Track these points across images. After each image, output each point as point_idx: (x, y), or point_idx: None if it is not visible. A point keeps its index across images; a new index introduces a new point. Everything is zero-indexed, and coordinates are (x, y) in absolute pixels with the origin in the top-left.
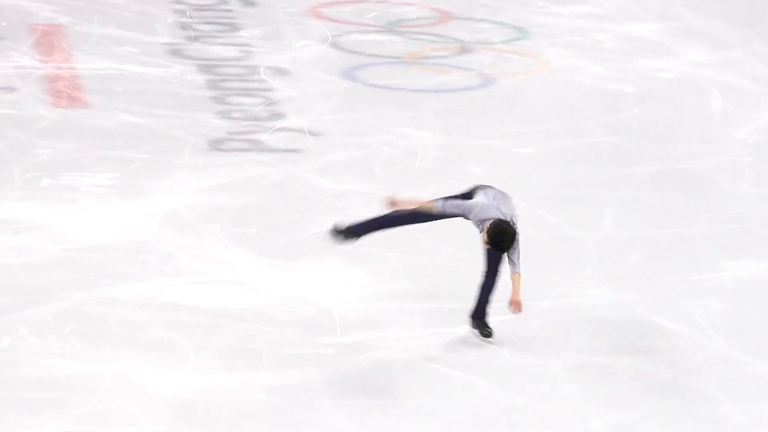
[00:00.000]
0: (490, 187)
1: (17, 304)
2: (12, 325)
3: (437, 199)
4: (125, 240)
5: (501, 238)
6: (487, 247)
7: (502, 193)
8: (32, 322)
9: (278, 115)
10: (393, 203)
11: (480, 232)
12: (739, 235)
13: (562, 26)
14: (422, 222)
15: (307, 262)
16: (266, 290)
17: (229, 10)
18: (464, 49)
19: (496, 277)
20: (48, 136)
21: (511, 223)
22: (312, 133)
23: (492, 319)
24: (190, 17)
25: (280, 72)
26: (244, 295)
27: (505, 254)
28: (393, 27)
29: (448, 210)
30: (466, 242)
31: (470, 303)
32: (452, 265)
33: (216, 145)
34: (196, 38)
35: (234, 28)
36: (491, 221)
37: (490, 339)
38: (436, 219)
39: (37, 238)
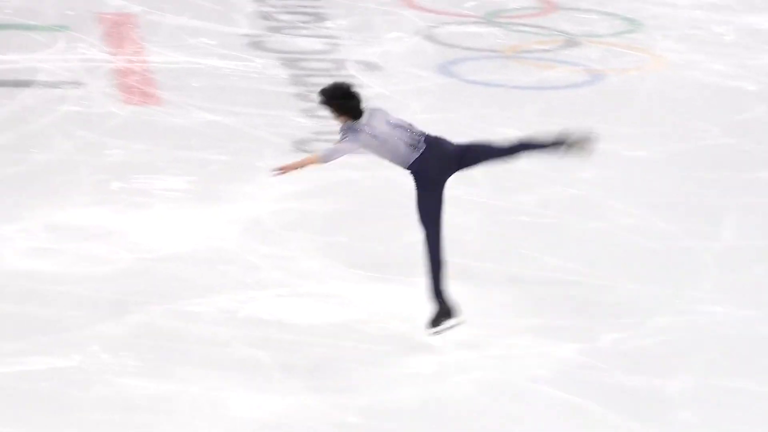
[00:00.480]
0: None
1: (88, 319)
2: (83, 341)
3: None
4: (204, 249)
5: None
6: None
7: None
8: (104, 338)
9: None
10: (282, 169)
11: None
12: None
13: (678, 18)
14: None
15: (402, 274)
16: (357, 304)
17: None
18: (570, 42)
19: (436, 228)
20: (118, 135)
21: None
22: None
23: (602, 336)
24: (272, 6)
25: (369, 67)
26: (333, 309)
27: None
28: (493, 18)
29: (336, 152)
30: (573, 253)
31: (578, 319)
32: (558, 277)
33: (301, 145)
34: (278, 29)
35: (320, 18)
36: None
37: (452, 321)
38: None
39: (108, 246)
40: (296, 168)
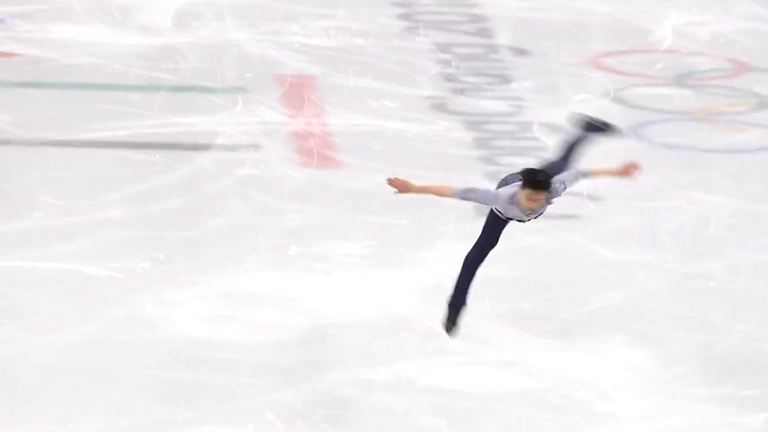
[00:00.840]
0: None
1: (263, 386)
2: (257, 409)
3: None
4: (383, 316)
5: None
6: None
7: None
8: (279, 406)
9: None
10: (401, 187)
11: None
12: None
13: None
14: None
15: (587, 342)
16: (540, 373)
17: (500, 60)
18: (762, 104)
19: (487, 249)
20: (297, 199)
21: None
22: (591, 197)
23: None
24: (456, 68)
25: (555, 129)
26: (515, 377)
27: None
28: (683, 80)
29: (468, 195)
30: (763, 320)
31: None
32: (748, 345)
33: (484, 210)
34: (462, 91)
35: (504, 80)
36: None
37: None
38: (494, 239)
39: (285, 312)
40: (420, 191)
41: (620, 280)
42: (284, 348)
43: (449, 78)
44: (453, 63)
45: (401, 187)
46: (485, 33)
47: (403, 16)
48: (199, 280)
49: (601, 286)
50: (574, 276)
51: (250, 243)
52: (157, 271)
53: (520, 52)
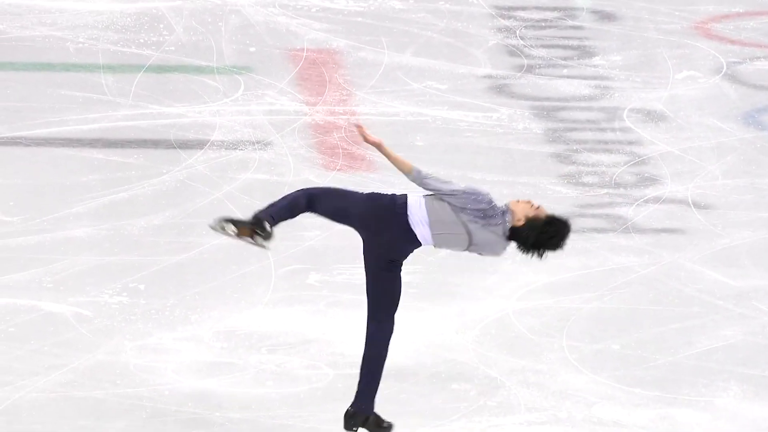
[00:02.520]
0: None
1: None
2: None
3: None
4: (429, 362)
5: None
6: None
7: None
8: None
9: (650, 180)
10: (368, 139)
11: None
12: None
13: None
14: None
15: (695, 394)
16: None
17: (579, 28)
18: None
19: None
20: None
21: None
22: (699, 206)
23: None
24: (522, 38)
25: (652, 117)
26: None
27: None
28: None
29: (428, 182)
30: None
31: None
32: None
33: None
34: (530, 69)
35: (585, 53)
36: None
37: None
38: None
39: (304, 359)
40: (384, 153)
41: (738, 312)
42: (303, 405)
43: (513, 51)
44: (518, 31)
45: (366, 137)
46: None
47: None
48: (192, 318)
49: (714, 320)
50: (678, 308)
51: (256, 269)
52: (137, 307)
53: (606, 16)
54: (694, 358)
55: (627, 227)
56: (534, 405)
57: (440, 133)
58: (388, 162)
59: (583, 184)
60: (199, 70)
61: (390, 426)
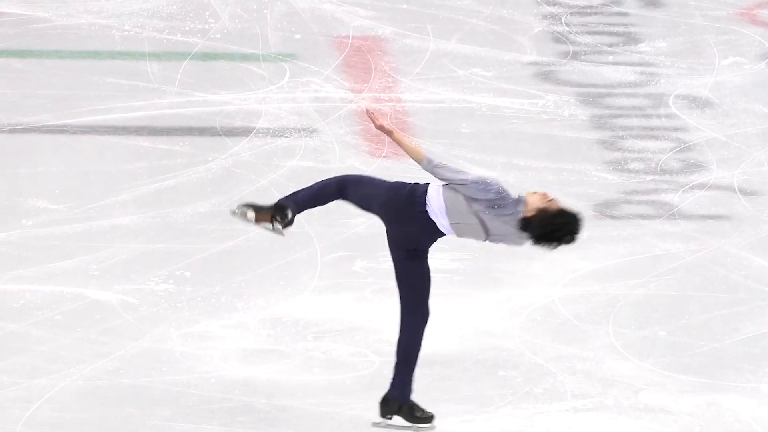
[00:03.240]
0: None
1: None
2: None
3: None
4: (476, 349)
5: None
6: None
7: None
8: None
9: (695, 166)
10: (378, 124)
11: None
12: None
13: None
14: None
15: (742, 380)
16: (682, 421)
17: (624, 14)
18: None
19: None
20: None
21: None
22: (746, 192)
23: None
24: (568, 24)
25: (697, 103)
26: (648, 427)
27: None
28: None
29: (439, 171)
30: None
31: None
32: None
33: (606, 209)
34: (575, 55)
35: (631, 39)
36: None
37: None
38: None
39: (350, 346)
40: (396, 141)
41: None
42: (349, 392)
43: (558, 38)
44: (563, 18)
45: (378, 124)
46: None
47: None
48: (238, 305)
49: (760, 307)
50: (724, 294)
51: (302, 256)
52: (183, 294)
53: (651, 2)
54: (740, 344)
55: (673, 214)
56: (580, 392)
57: (486, 120)
58: (430, 149)
59: (629, 171)
60: (244, 57)
61: (429, 417)
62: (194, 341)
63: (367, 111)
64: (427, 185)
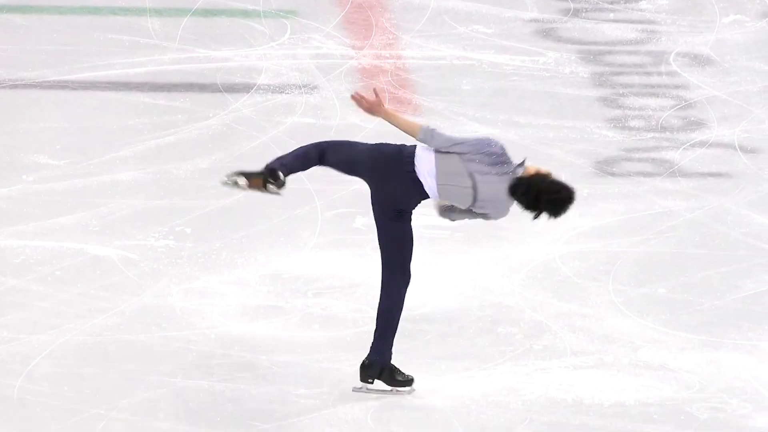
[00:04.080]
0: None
1: (322, 399)
2: (315, 428)
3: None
4: (475, 305)
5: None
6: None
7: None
8: (343, 425)
9: (696, 124)
10: (367, 107)
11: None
12: None
13: None
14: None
15: (741, 338)
16: (681, 378)
17: None
18: None
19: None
20: None
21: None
22: (746, 150)
23: None
24: None
25: (698, 60)
26: (650, 384)
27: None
28: None
29: (438, 137)
30: None
31: None
32: None
33: (606, 167)
34: (576, 13)
35: None
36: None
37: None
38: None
39: (350, 303)
40: (388, 119)
41: None
42: (349, 349)
43: None
44: None
45: (367, 107)
46: None
47: None
48: (238, 261)
49: (760, 264)
50: (725, 252)
51: (303, 213)
52: (184, 250)
53: None
54: (740, 301)
55: (673, 171)
56: (580, 349)
57: (486, 77)
58: (431, 106)
59: (630, 128)
60: (245, 13)
61: (409, 380)
62: (194, 297)
63: (354, 97)
64: (414, 146)
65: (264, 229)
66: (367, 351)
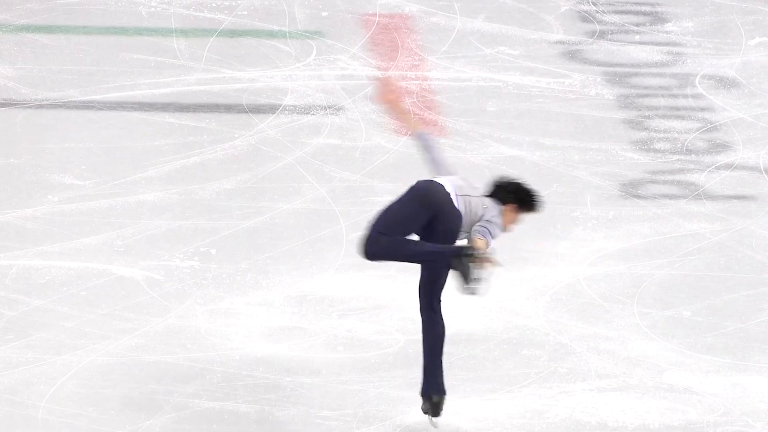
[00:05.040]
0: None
1: (346, 421)
2: None
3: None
4: (499, 328)
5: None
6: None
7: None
8: None
9: (721, 146)
10: (384, 96)
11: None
12: None
13: None
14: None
15: (764, 359)
16: (706, 402)
17: None
18: None
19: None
20: (390, 175)
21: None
22: None
23: None
24: (594, 4)
25: (724, 83)
26: (675, 407)
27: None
28: None
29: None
30: None
31: None
32: None
33: (632, 189)
34: (602, 35)
35: (658, 19)
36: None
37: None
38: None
39: (374, 324)
40: (398, 114)
41: None
42: (374, 371)
43: (585, 17)
44: None
45: (384, 96)
46: None
47: None
48: (263, 283)
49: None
50: (750, 274)
51: (328, 234)
52: (209, 271)
53: None
54: (765, 324)
55: (699, 194)
56: (605, 371)
57: (512, 98)
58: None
59: (655, 151)
60: (271, 34)
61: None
62: (219, 318)
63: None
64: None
65: (289, 250)
66: (392, 372)
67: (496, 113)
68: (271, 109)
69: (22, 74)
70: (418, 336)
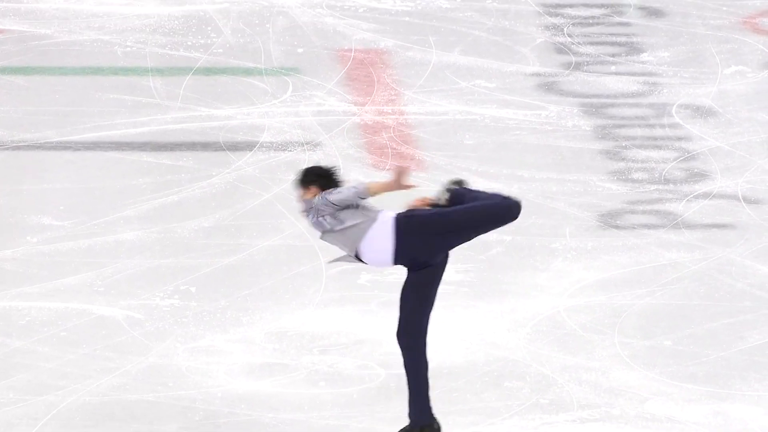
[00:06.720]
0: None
1: None
2: None
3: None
4: (481, 360)
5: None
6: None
7: None
8: None
9: (699, 175)
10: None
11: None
12: None
13: None
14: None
15: (748, 389)
16: (688, 430)
17: (626, 24)
18: None
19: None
20: None
21: None
22: (750, 201)
23: None
24: (570, 35)
25: (701, 112)
26: None
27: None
28: None
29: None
30: None
31: None
32: None
33: (610, 219)
34: (578, 66)
35: (633, 49)
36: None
37: None
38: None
39: (356, 360)
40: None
41: None
42: (356, 406)
43: (561, 49)
44: (565, 29)
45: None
46: None
47: None
48: (243, 320)
49: (765, 315)
50: (730, 303)
51: (308, 270)
52: (189, 309)
53: (653, 12)
54: (746, 353)
55: (677, 223)
56: (587, 402)
57: (489, 131)
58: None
59: (633, 181)
60: (247, 71)
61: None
62: (200, 356)
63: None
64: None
65: (269, 286)
66: (374, 407)
67: (473, 146)
68: (248, 146)
69: None
70: (400, 370)
